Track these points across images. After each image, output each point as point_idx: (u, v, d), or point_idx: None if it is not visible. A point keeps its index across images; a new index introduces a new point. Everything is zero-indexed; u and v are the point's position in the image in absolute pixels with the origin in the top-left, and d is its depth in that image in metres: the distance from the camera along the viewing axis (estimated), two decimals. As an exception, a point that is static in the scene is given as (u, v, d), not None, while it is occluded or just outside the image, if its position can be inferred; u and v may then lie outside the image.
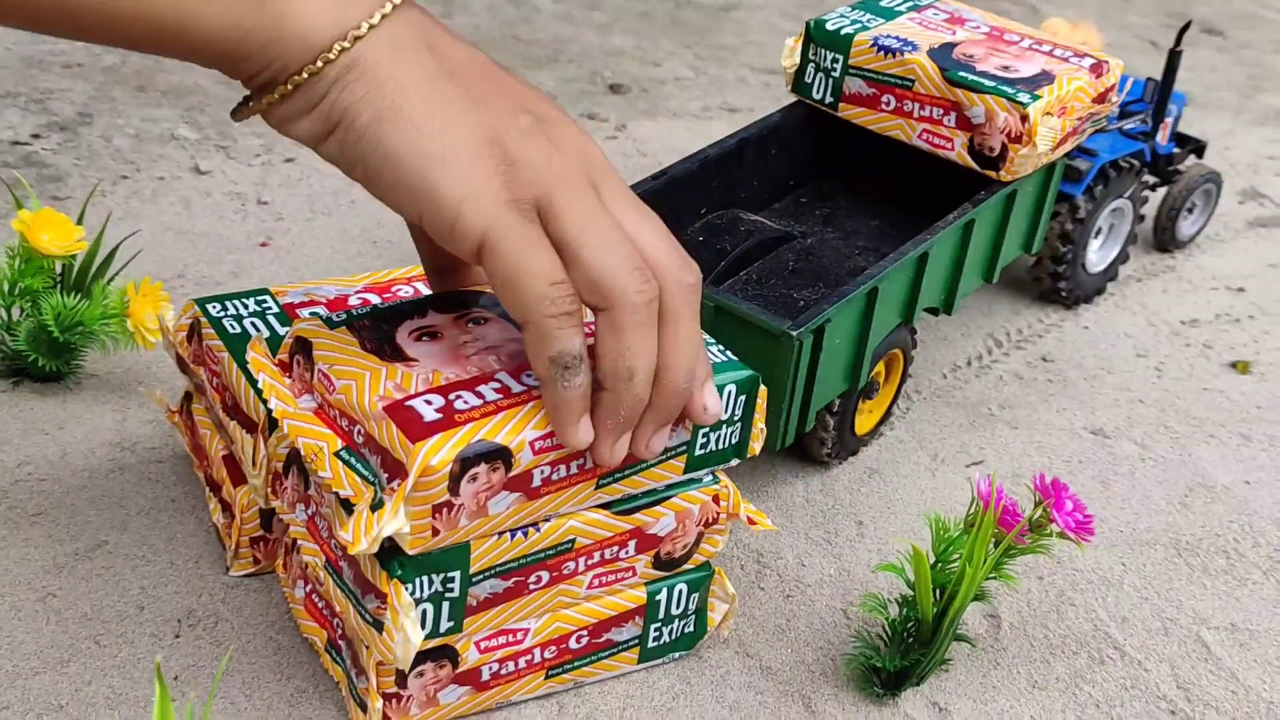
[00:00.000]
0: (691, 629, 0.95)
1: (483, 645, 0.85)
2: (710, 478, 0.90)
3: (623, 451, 0.77)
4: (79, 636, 0.92)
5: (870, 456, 1.20)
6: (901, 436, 1.23)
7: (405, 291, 1.06)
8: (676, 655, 0.96)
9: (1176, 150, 1.64)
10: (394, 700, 0.84)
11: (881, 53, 1.20)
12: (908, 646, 0.93)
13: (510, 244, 0.68)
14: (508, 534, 0.81)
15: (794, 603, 1.03)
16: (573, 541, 0.84)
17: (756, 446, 0.90)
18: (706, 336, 0.87)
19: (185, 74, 1.80)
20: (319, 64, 0.68)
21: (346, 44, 0.68)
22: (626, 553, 0.88)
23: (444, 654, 0.84)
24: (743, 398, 0.87)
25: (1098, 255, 1.48)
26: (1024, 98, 1.14)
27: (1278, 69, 2.35)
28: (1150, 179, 1.65)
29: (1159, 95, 1.55)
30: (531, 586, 0.85)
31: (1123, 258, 1.51)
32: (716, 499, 0.90)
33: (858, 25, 1.24)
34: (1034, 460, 1.22)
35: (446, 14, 2.15)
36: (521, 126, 0.70)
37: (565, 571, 0.86)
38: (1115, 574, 1.09)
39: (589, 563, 0.86)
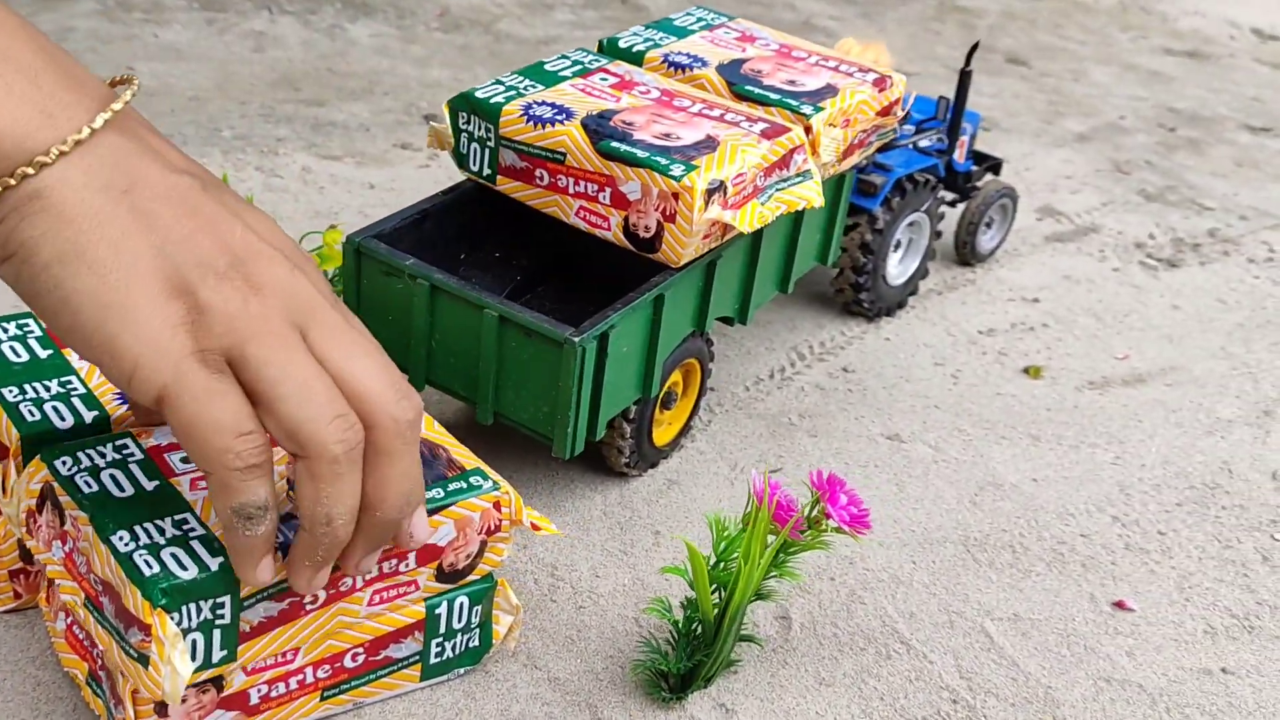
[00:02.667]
0: (476, 643, 0.93)
1: (249, 667, 0.83)
2: (490, 484, 0.89)
3: (323, 582, 0.75)
4: None
5: (670, 468, 1.20)
6: (702, 448, 1.24)
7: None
8: (462, 671, 0.94)
9: (975, 168, 1.70)
10: (156, 729, 0.81)
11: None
12: (693, 648, 0.93)
13: (189, 398, 0.63)
14: (279, 553, 0.79)
15: (586, 613, 1.02)
16: None
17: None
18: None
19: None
20: None
21: (31, 170, 0.62)
22: (407, 565, 0.86)
23: (207, 679, 0.81)
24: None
25: (898, 269, 1.52)
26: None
27: (1075, 96, 2.45)
28: (949, 195, 1.70)
29: (952, 113, 1.60)
30: (308, 607, 0.83)
31: (922, 272, 1.54)
32: (498, 505, 0.89)
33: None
34: (831, 465, 1.23)
35: (259, 47, 2.12)
36: (219, 270, 0.65)
37: (343, 589, 0.84)
38: (905, 571, 1.11)
39: (368, 578, 0.84)
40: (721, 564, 0.92)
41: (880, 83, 1.26)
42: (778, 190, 1.12)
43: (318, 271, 0.72)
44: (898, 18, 2.83)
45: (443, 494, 0.87)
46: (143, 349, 0.63)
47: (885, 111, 1.27)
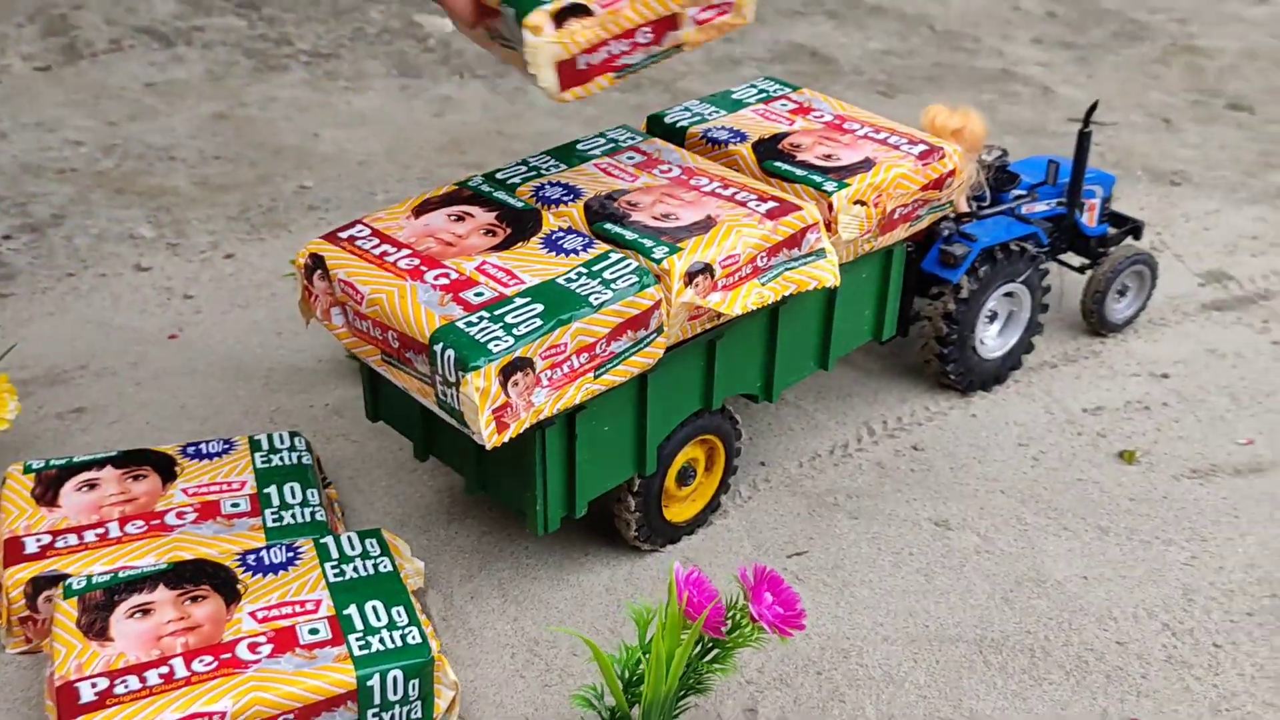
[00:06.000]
0: (419, 715, 0.96)
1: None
2: None
3: None
4: None
5: (691, 545, 1.20)
6: (731, 525, 1.22)
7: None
8: (404, 741, 0.97)
9: (1111, 231, 1.60)
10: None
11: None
12: (621, 739, 0.92)
13: None
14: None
15: (551, 693, 1.03)
16: None
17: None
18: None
19: (167, 176, 1.92)
20: None
21: None
22: None
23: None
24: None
25: (995, 341, 1.45)
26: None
27: (1297, 144, 2.25)
28: (1077, 261, 1.61)
29: (1072, 176, 1.51)
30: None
31: (1025, 346, 1.46)
32: None
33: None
34: (861, 551, 1.19)
35: (440, 112, 2.24)
36: None
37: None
38: (903, 670, 1.06)
39: None
40: (644, 657, 0.91)
41: (928, 155, 1.22)
42: (786, 270, 1.10)
43: None
44: (1115, 62, 2.69)
45: None
46: None
47: (935, 184, 1.22)
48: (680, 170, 1.16)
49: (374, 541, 1.06)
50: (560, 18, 0.97)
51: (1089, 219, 1.57)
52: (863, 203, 1.16)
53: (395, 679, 0.94)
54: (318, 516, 1.09)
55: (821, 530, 1.22)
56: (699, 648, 0.91)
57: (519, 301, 0.98)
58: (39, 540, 1.04)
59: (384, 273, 1.02)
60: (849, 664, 1.06)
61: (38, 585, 1.01)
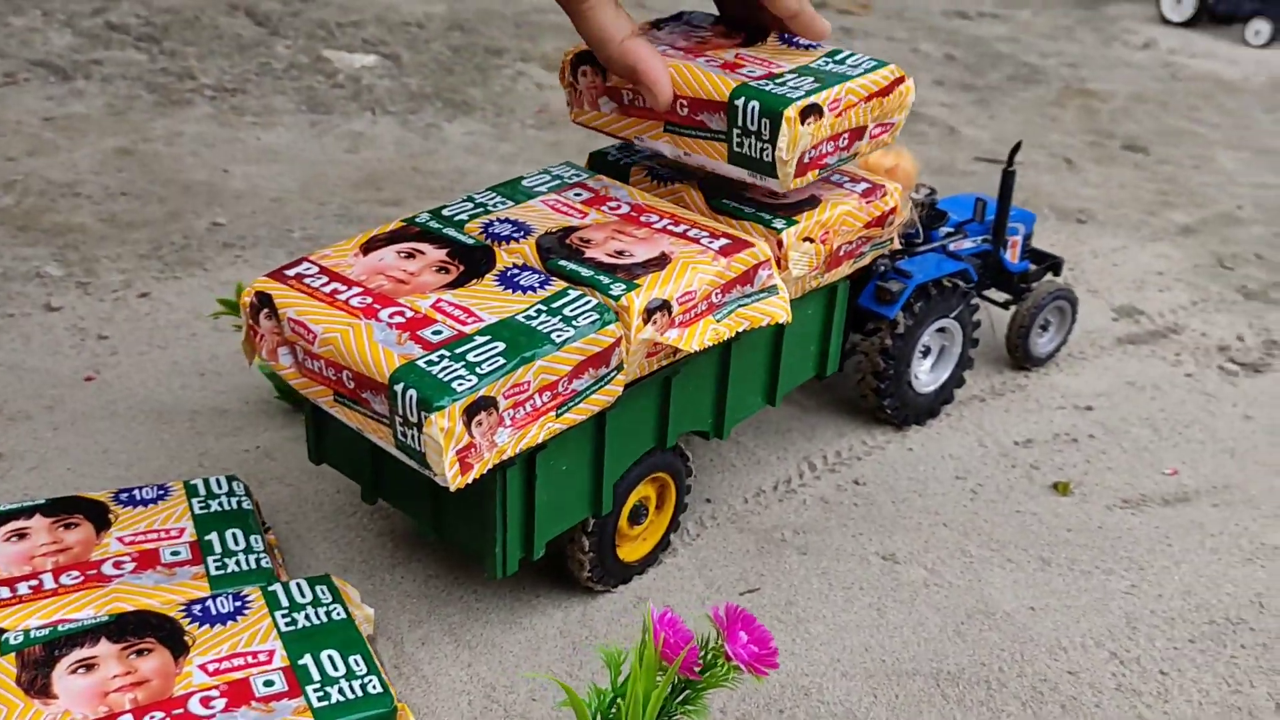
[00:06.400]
0: (381, 766, 0.93)
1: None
2: None
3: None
4: None
5: (643, 585, 1.18)
6: (682, 564, 1.21)
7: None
8: (365, 794, 0.94)
9: (1031, 267, 1.63)
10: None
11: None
12: (593, 785, 0.90)
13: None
14: None
15: (511, 738, 1.00)
16: None
17: None
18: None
19: (72, 213, 1.85)
20: None
21: None
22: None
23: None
24: None
25: (929, 376, 1.47)
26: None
27: (1190, 185, 2.33)
28: (1002, 297, 1.64)
29: (996, 214, 1.54)
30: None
31: (957, 380, 1.48)
32: None
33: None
34: (813, 586, 1.19)
35: (354, 148, 2.21)
36: None
37: None
38: (863, 706, 1.05)
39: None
40: (618, 699, 0.89)
41: (870, 193, 1.23)
42: (740, 306, 1.10)
43: None
44: (1013, 104, 2.76)
45: None
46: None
47: (878, 222, 1.24)
48: (629, 207, 1.16)
49: (324, 588, 1.03)
50: (803, 116, 1.06)
51: (1012, 255, 1.60)
52: (811, 240, 1.17)
53: (357, 731, 0.91)
54: (263, 563, 1.06)
55: (772, 566, 1.21)
56: (670, 689, 0.90)
57: (479, 339, 0.96)
58: None
59: (336, 311, 0.99)
60: (810, 702, 1.06)
61: None
